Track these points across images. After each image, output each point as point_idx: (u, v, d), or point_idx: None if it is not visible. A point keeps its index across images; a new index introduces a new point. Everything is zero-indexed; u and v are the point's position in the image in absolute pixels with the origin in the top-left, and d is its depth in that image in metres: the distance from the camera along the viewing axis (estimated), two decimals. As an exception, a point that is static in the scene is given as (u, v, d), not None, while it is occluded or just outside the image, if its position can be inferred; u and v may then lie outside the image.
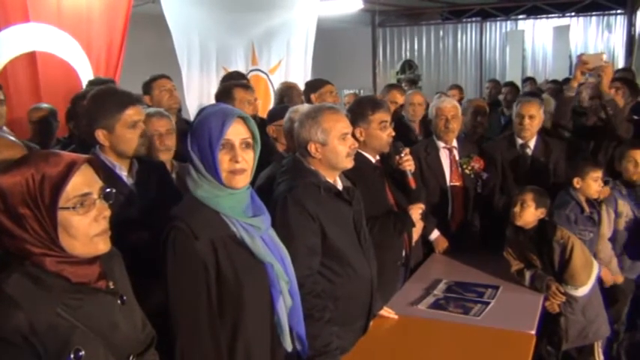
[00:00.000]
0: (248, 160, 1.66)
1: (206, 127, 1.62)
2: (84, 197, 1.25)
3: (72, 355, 1.18)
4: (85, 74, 4.35)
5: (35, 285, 1.20)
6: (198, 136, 1.63)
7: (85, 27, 4.33)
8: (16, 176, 1.21)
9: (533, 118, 3.40)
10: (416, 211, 2.70)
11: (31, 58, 4.06)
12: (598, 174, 3.04)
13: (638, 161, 3.12)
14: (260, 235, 1.68)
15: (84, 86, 4.12)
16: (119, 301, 1.35)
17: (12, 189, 1.20)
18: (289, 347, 1.75)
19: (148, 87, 3.58)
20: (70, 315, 1.21)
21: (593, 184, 3.03)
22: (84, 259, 1.27)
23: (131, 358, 1.34)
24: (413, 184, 2.82)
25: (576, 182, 3.04)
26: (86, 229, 1.25)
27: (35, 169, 1.21)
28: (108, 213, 1.30)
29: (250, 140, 1.67)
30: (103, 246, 1.29)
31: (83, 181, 1.25)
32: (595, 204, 3.12)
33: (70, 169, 1.22)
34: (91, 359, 1.22)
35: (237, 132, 1.63)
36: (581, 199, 3.05)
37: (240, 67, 5.35)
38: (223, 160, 1.62)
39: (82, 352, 1.20)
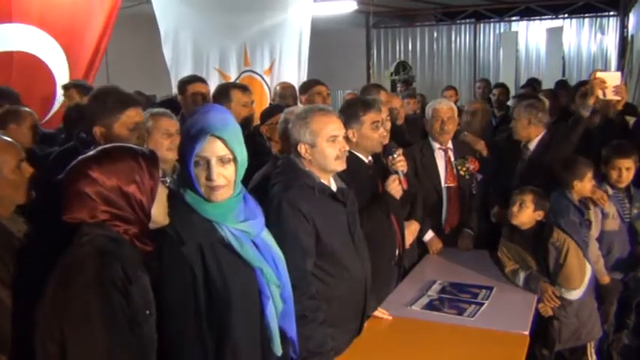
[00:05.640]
0: (227, 175, 1.59)
1: (183, 141, 1.62)
2: None
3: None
4: (61, 75, 4.29)
5: None
6: (180, 146, 1.65)
7: (67, 27, 4.28)
8: None
9: None
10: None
11: (8, 58, 4.01)
12: (592, 172, 3.05)
13: (622, 169, 3.10)
14: (251, 239, 1.67)
15: (58, 87, 4.09)
16: None
17: None
18: (279, 352, 1.74)
19: (182, 88, 3.61)
20: None
21: (588, 183, 3.04)
22: None
23: None
24: (405, 185, 2.81)
25: (576, 184, 3.02)
26: None
27: None
28: None
29: (230, 156, 1.60)
30: None
31: None
32: (585, 205, 3.11)
33: None
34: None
35: (212, 150, 1.57)
36: (576, 202, 3.04)
37: (232, 68, 5.33)
38: (200, 175, 1.58)
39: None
